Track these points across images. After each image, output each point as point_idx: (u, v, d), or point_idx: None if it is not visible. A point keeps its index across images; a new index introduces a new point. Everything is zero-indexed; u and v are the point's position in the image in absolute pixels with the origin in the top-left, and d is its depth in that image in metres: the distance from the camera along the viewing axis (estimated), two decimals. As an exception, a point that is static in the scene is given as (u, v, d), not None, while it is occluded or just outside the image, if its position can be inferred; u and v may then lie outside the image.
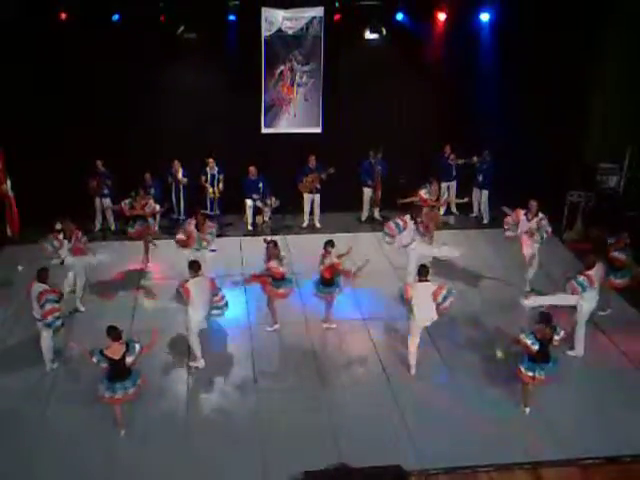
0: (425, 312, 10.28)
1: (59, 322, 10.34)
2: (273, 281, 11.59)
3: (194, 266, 10.65)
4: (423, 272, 10.45)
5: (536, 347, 9.41)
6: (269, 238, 12.18)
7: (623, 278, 12.13)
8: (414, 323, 10.47)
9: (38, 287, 10.20)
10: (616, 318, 12.39)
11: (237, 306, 12.65)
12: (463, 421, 9.76)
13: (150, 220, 14.28)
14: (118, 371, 8.92)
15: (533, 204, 12.97)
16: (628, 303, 12.95)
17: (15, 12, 14.09)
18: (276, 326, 12.02)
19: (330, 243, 11.50)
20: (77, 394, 10.08)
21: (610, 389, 10.49)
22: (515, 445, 9.32)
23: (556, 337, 9.52)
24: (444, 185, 16.69)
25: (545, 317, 9.55)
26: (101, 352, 8.86)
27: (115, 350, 8.89)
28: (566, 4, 15.26)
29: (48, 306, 10.10)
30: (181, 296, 10.75)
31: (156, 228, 15.68)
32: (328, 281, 11.58)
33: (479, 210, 17.00)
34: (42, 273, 10.38)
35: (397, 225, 12.80)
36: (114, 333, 8.94)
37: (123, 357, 8.89)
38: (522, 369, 9.62)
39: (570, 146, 16.25)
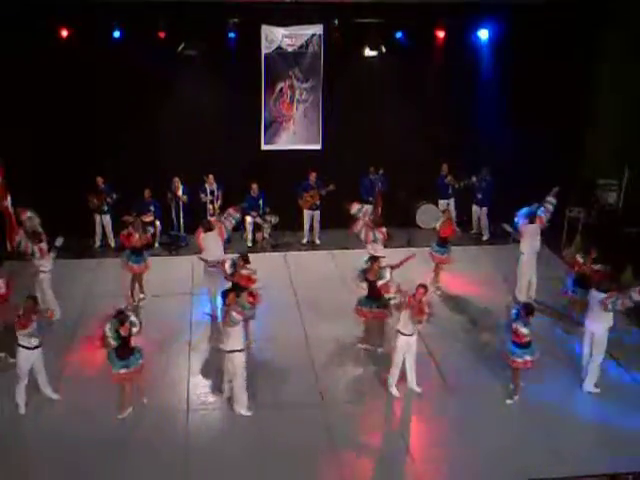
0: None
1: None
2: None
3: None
4: None
5: (528, 338, 10.14)
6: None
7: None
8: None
9: None
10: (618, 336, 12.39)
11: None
12: (462, 436, 9.78)
13: (145, 254, 13.28)
14: (126, 349, 9.79)
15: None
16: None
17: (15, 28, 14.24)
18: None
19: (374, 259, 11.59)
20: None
21: (612, 406, 10.47)
22: (517, 462, 9.30)
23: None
24: (443, 202, 16.77)
25: (530, 308, 10.26)
26: (117, 331, 9.66)
27: (124, 329, 9.69)
28: (563, 19, 15.35)
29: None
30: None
31: (156, 245, 15.73)
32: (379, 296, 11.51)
33: (479, 227, 17.03)
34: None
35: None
36: (122, 316, 9.72)
37: (129, 335, 9.77)
38: (514, 357, 10.23)
39: (569, 162, 16.31)
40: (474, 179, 16.49)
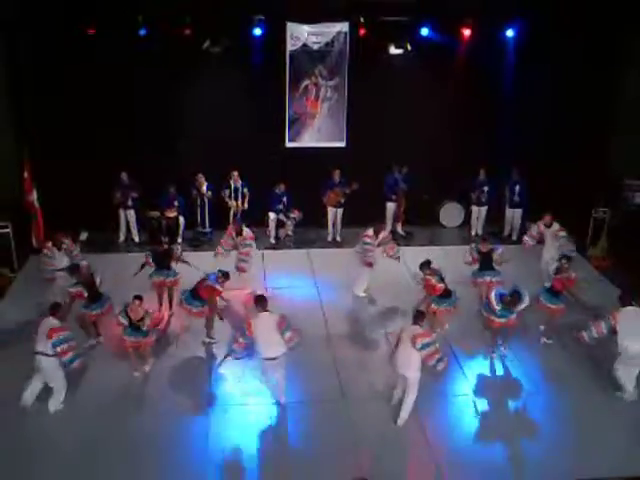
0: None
1: (77, 361, 10.04)
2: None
3: (262, 301, 10.14)
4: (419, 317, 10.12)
5: (441, 285, 11.69)
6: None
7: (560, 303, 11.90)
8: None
9: (49, 323, 9.89)
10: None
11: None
12: (478, 435, 9.78)
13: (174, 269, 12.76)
14: (134, 327, 10.66)
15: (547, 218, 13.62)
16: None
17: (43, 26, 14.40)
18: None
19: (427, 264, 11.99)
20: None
21: (616, 409, 10.38)
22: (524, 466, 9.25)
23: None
24: (475, 210, 16.72)
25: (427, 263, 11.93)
26: (125, 310, 10.67)
27: (136, 312, 10.62)
28: (589, 17, 15.24)
29: (63, 346, 9.78)
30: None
31: (180, 240, 15.78)
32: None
33: (510, 230, 16.77)
34: (55, 309, 10.11)
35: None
36: (137, 299, 10.70)
37: (140, 320, 10.61)
38: (438, 306, 11.73)
39: (597, 162, 16.12)
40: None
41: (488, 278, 12.64)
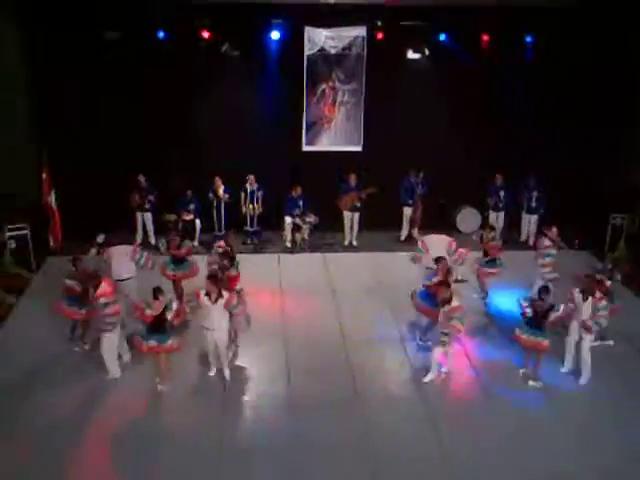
0: None
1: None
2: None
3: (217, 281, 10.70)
4: None
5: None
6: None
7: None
8: None
9: (122, 248, 11.70)
10: None
11: (272, 318, 12.70)
12: (496, 436, 9.66)
13: (190, 260, 13.08)
14: (157, 325, 10.20)
15: (554, 230, 13.17)
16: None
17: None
18: None
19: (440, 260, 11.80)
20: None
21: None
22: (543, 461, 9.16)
23: None
24: (493, 215, 16.62)
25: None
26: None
27: (156, 307, 10.16)
28: (606, 23, 15.23)
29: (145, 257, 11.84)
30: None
31: (196, 243, 15.78)
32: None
33: (527, 235, 16.70)
34: (102, 245, 11.95)
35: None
36: (158, 292, 10.23)
37: (162, 313, 10.17)
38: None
39: (615, 168, 16.01)
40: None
41: (492, 269, 13.07)
